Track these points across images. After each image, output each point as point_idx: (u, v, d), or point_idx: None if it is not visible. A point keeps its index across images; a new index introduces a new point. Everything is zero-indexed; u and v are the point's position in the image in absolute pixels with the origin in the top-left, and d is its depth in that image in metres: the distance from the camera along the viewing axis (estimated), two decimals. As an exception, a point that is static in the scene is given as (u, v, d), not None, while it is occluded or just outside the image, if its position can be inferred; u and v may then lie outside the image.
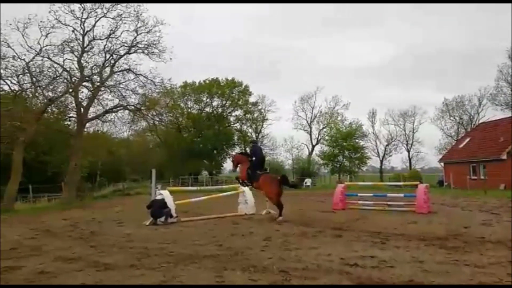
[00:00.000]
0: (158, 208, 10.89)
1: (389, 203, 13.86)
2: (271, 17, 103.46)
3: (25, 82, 22.11)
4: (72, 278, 5.16)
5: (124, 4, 23.52)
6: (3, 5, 22.44)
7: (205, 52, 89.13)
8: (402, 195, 14.37)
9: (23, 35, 21.41)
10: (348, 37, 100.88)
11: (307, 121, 55.39)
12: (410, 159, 56.29)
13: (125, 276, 5.21)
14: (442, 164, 38.63)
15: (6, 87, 22.33)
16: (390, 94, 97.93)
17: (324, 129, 55.44)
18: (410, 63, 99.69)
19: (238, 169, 12.76)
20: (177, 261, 6.02)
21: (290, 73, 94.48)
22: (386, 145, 56.50)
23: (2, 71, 21.50)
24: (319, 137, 55.48)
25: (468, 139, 37.38)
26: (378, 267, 5.53)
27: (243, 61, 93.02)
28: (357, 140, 53.52)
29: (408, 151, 56.44)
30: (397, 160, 67.66)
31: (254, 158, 12.08)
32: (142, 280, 5.01)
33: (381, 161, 56.39)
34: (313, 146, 55.15)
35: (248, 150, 11.80)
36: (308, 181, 41.29)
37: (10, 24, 21.31)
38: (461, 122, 52.34)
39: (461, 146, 37.31)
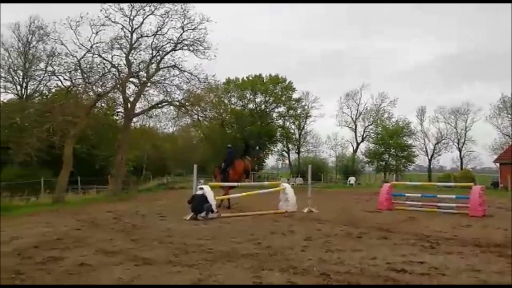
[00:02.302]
0: (199, 203, 10.89)
1: (439, 204, 13.10)
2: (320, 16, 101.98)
3: (77, 78, 23.08)
4: (110, 272, 5.15)
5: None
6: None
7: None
8: (453, 196, 13.52)
9: (75, 33, 22.31)
10: (402, 34, 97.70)
11: (352, 118, 54.03)
12: (461, 159, 53.38)
13: (162, 272, 5.13)
14: (498, 164, 36.28)
15: (59, 83, 23.49)
16: (441, 91, 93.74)
17: (370, 127, 53.88)
18: (464, 60, 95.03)
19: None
20: (215, 259, 5.89)
21: (337, 71, 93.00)
22: (436, 144, 53.87)
23: (55, 67, 22.61)
24: (364, 135, 54.00)
25: (527, 138, 34.82)
26: (429, 275, 5.09)
27: (288, 57, 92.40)
28: (404, 138, 51.66)
29: (460, 150, 53.54)
30: (447, 159, 64.60)
31: (225, 164, 14.28)
32: (178, 277, 4.91)
33: (430, 160, 53.87)
34: (358, 144, 53.75)
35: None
36: (351, 179, 40.35)
37: (64, 23, 22.29)
38: (520, 121, 48.83)
39: (519, 145, 34.85)
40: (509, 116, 48.76)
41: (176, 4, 23.98)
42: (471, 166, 52.87)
